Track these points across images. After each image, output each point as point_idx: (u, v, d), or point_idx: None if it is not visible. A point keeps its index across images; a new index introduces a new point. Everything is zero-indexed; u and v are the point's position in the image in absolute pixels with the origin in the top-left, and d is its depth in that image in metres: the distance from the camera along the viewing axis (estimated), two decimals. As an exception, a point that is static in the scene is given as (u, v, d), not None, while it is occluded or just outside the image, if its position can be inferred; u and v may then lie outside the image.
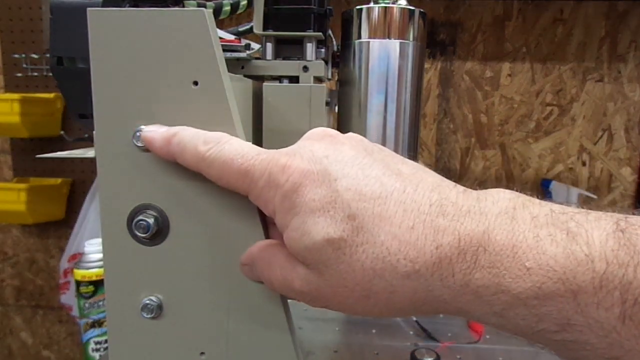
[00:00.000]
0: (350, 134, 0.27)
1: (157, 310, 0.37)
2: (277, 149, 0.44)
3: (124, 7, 0.36)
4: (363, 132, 0.45)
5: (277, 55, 0.45)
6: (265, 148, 0.44)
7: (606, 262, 0.19)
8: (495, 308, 0.21)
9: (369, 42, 0.44)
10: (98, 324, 0.73)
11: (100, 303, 0.73)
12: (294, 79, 0.45)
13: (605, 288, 0.19)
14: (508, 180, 1.07)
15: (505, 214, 0.22)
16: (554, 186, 1.03)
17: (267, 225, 0.31)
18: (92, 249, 0.74)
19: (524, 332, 0.22)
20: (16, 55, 1.14)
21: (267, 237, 0.31)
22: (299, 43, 0.45)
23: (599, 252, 0.20)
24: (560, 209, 0.22)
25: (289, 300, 0.39)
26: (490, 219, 0.22)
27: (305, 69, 0.44)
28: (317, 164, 0.24)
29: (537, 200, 0.23)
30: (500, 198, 0.23)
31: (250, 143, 0.28)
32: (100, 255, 0.73)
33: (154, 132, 0.30)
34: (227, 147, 0.27)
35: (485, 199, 0.23)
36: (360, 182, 0.23)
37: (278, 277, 0.27)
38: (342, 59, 0.47)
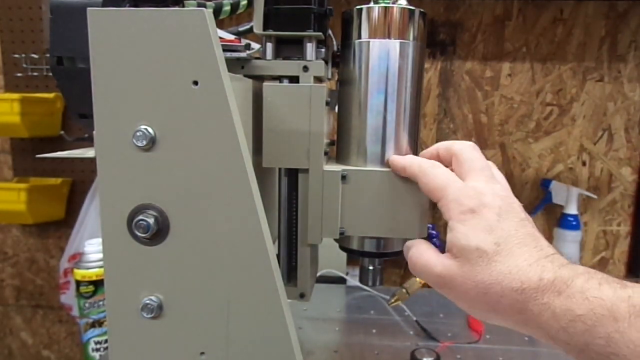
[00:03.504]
0: (518, 202, 0.38)
1: (157, 310, 0.37)
2: (277, 148, 0.44)
3: (124, 7, 0.36)
4: (363, 132, 0.45)
5: (277, 55, 0.45)
6: (265, 148, 0.45)
7: None
8: (562, 323, 0.31)
9: (369, 42, 0.44)
10: (98, 324, 0.73)
11: (100, 303, 0.73)
12: (294, 79, 0.45)
13: (638, 317, 0.29)
14: (508, 180, 1.07)
15: (587, 272, 0.33)
16: (554, 186, 1.03)
17: None
18: (92, 249, 0.75)
19: (581, 345, 0.31)
20: (16, 55, 1.14)
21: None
22: (299, 43, 0.44)
23: (639, 297, 0.30)
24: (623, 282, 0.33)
25: (289, 300, 0.39)
26: (577, 270, 0.33)
27: (305, 69, 0.44)
28: (492, 205, 0.36)
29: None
30: (587, 268, 0.34)
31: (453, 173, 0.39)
32: (100, 255, 0.73)
33: (396, 156, 0.44)
34: (441, 170, 0.39)
35: (577, 265, 0.35)
36: (512, 230, 0.35)
37: (423, 260, 0.38)
38: (342, 59, 0.47)
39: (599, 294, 0.31)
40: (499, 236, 0.35)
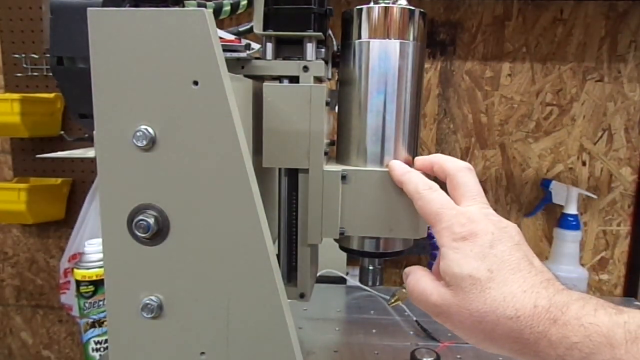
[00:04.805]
0: (513, 225, 0.38)
1: (157, 310, 0.37)
2: (277, 148, 0.45)
3: (124, 7, 0.36)
4: (363, 132, 0.45)
5: (277, 55, 0.45)
6: (265, 148, 0.45)
7: (637, 327, 0.30)
8: (559, 351, 0.31)
9: (369, 42, 0.44)
10: (98, 324, 0.73)
11: (100, 303, 0.73)
12: (294, 79, 0.45)
13: (634, 343, 0.29)
14: (508, 180, 1.07)
15: (582, 298, 0.33)
16: (554, 186, 1.03)
17: None
18: (92, 249, 0.74)
19: None
20: (16, 55, 1.13)
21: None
22: (299, 43, 0.45)
23: (635, 322, 0.30)
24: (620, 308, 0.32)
25: (289, 300, 0.39)
26: (572, 296, 0.33)
27: (305, 69, 0.44)
28: (484, 232, 0.35)
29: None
30: (581, 294, 0.34)
31: (448, 197, 0.39)
32: (100, 255, 0.73)
33: (398, 164, 0.44)
34: (436, 194, 0.39)
35: (572, 290, 0.34)
36: (505, 255, 0.35)
37: (420, 289, 0.38)
38: (342, 59, 0.47)
39: (595, 320, 0.30)
40: (492, 262, 0.34)
